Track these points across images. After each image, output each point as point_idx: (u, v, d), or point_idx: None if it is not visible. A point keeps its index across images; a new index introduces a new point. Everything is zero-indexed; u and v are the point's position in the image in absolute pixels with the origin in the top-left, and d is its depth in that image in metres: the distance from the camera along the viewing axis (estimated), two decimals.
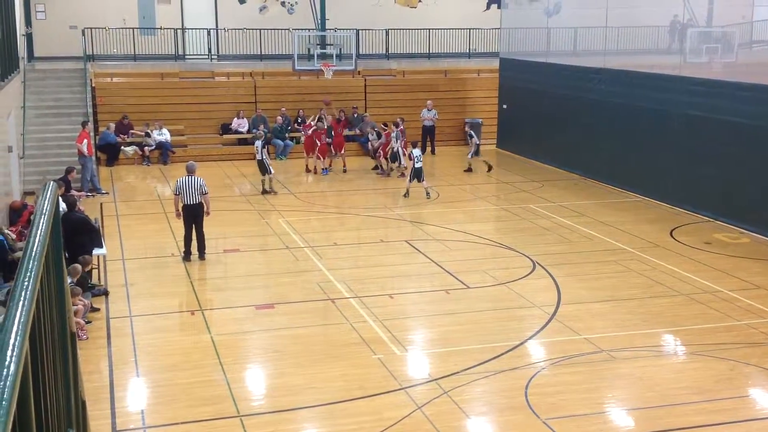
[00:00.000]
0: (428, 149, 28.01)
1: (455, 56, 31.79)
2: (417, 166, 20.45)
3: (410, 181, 20.79)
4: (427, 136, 28.12)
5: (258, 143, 21.19)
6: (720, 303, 13.30)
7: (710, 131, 18.98)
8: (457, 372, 10.66)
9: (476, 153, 24.34)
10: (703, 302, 13.33)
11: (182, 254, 15.38)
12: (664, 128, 20.49)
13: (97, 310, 12.70)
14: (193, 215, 15.19)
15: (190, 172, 15.30)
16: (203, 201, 15.22)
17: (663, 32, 31.37)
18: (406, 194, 20.70)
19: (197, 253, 15.35)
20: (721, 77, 21.21)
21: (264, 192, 21.17)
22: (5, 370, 2.47)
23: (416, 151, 20.69)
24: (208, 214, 15.37)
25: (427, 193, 20.73)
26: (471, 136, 24.60)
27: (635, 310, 12.99)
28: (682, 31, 31.01)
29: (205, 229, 15.49)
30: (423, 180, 20.64)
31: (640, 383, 10.41)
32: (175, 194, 15.40)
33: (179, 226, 17.28)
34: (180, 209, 15.32)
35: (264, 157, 21.04)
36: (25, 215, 16.25)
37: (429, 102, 28.32)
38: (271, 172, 21.23)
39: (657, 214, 19.47)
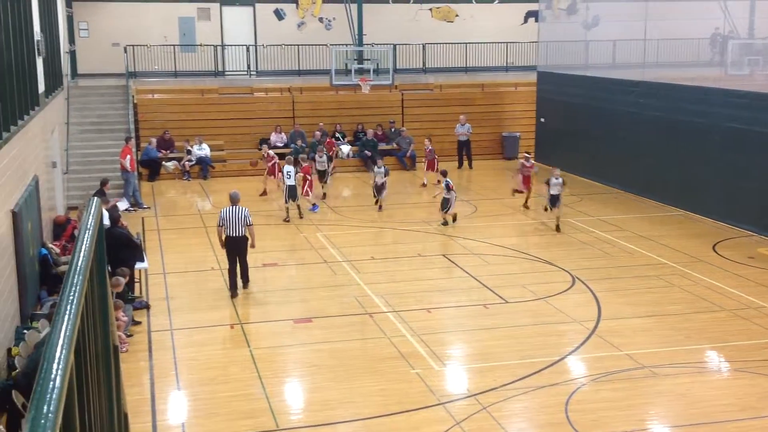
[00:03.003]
0: (465, 163, 28.03)
1: (492, 70, 31.74)
2: (447, 196, 19.22)
3: (445, 210, 19.39)
4: (463, 151, 28.08)
5: (290, 168, 20.00)
6: (764, 319, 13.05)
7: (752, 144, 18.69)
8: (496, 387, 10.59)
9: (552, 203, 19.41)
10: (747, 318, 13.09)
11: (228, 288, 14.40)
12: (705, 141, 20.22)
13: (138, 323, 12.86)
14: (237, 248, 14.25)
15: (234, 201, 14.31)
16: (247, 233, 14.25)
17: (703, 44, 31.03)
18: (445, 223, 19.40)
19: (241, 281, 14.55)
20: (763, 89, 20.88)
21: (286, 220, 19.89)
22: (51, 383, 2.50)
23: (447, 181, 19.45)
24: (252, 246, 14.41)
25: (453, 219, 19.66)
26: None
27: (677, 325, 12.80)
28: (723, 43, 30.64)
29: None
30: (449, 209, 19.34)
31: (682, 400, 10.24)
32: (219, 225, 14.30)
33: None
34: (223, 241, 14.39)
35: (296, 182, 19.97)
36: (68, 230, 16.53)
37: (462, 117, 28.19)
38: (297, 199, 20.02)
39: (699, 228, 19.19)
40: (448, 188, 19.19)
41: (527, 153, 22.51)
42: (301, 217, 20.14)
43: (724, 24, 31.12)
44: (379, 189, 21.38)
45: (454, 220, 19.56)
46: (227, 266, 14.42)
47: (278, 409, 10.11)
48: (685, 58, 29.58)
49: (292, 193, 19.83)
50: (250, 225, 14.19)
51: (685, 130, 21.03)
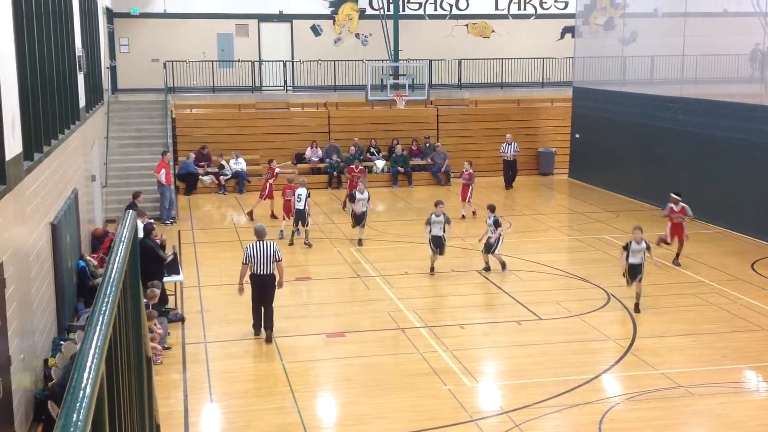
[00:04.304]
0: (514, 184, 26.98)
1: (528, 85, 31.66)
2: (493, 235, 16.69)
3: (491, 252, 16.81)
4: (509, 171, 27.07)
5: (302, 192, 18.83)
6: None
7: None
8: (529, 405, 10.50)
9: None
10: None
11: (252, 327, 13.13)
12: (744, 158, 19.94)
13: (168, 335, 12.92)
14: (264, 288, 12.83)
15: (260, 236, 12.99)
16: (276, 271, 12.90)
17: (743, 60, 30.65)
18: (488, 268, 16.88)
19: (264, 330, 12.92)
20: None
21: (291, 244, 18.96)
22: (81, 392, 2.53)
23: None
24: (280, 285, 13.02)
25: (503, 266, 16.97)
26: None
27: (714, 344, 12.59)
28: (764, 59, 30.25)
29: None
30: (495, 250, 16.80)
31: (719, 421, 10.07)
32: (243, 263, 12.91)
33: None
34: (246, 280, 13.03)
35: (306, 206, 18.79)
36: (106, 242, 16.76)
37: (508, 136, 27.39)
38: (306, 224, 18.99)
39: (737, 246, 18.90)
40: (496, 226, 16.56)
41: (676, 194, 17.55)
42: (309, 245, 18.90)
43: (765, 39, 30.74)
44: (359, 218, 19.09)
45: (504, 267, 16.75)
46: (251, 306, 13.09)
47: (310, 424, 10.13)
48: (724, 74, 29.21)
49: (299, 217, 18.81)
50: (279, 261, 12.87)
51: (723, 146, 20.77)
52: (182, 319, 13.81)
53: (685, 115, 22.58)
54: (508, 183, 27.09)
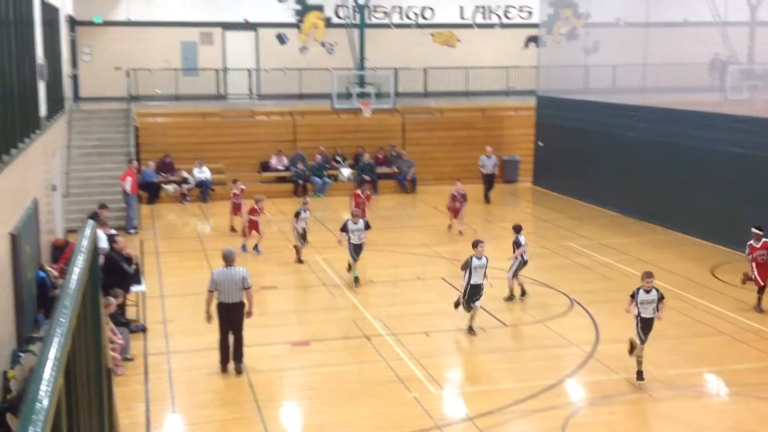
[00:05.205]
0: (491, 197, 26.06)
1: (493, 94, 31.91)
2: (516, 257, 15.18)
3: (511, 275, 15.38)
4: (487, 186, 26.12)
5: (307, 214, 18.44)
6: (763, 342, 13.04)
7: (751, 169, 18.75)
8: (494, 411, 10.56)
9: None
10: (745, 341, 13.08)
11: (219, 363, 12.03)
12: (705, 166, 20.28)
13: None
14: (232, 317, 11.86)
15: (229, 261, 11.93)
16: (244, 298, 11.91)
17: (703, 70, 31.18)
18: (511, 297, 15.44)
19: (234, 362, 12.00)
20: (763, 114, 20.97)
21: (300, 261, 18.26)
22: (38, 404, 2.51)
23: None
24: (249, 314, 11.95)
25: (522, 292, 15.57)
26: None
27: (675, 349, 12.77)
28: (723, 68, 30.80)
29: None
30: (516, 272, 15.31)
31: (679, 424, 10.21)
32: (209, 290, 11.86)
33: (218, 263, 17.40)
34: (212, 309, 11.95)
35: (306, 226, 18.33)
36: (67, 252, 16.53)
37: (489, 148, 26.59)
38: (303, 244, 18.36)
39: (698, 252, 19.19)
40: (515, 247, 15.27)
41: (758, 228, 15.04)
42: (301, 261, 18.24)
43: (724, 49, 31.30)
44: (357, 249, 16.61)
45: (523, 293, 15.44)
46: (218, 337, 12.03)
47: None
48: (685, 83, 29.71)
49: (303, 236, 18.29)
50: (247, 288, 11.84)
51: (684, 154, 21.10)
52: (144, 330, 13.68)
53: (647, 123, 22.91)
54: (488, 198, 26.01)
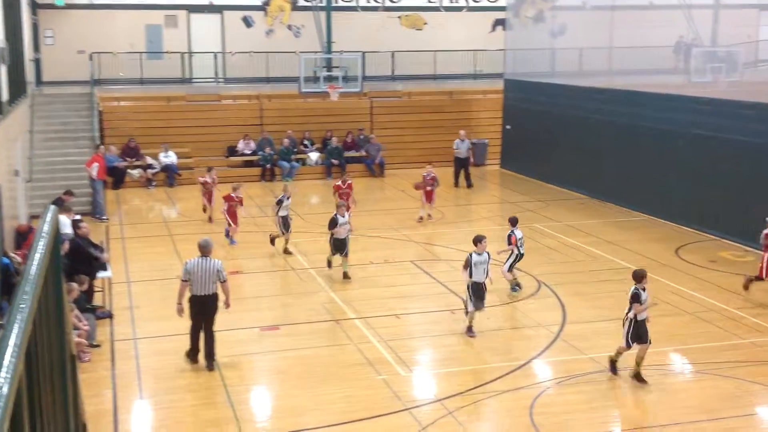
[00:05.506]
0: (462, 183, 25.71)
1: (461, 77, 31.93)
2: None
3: (506, 269, 14.82)
4: (461, 169, 25.72)
5: (289, 201, 17.90)
6: (725, 321, 13.25)
7: (715, 150, 18.99)
8: (462, 392, 10.64)
9: None
10: (709, 321, 13.28)
11: (187, 353, 11.65)
12: (670, 147, 20.50)
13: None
14: (205, 310, 11.37)
15: (205, 252, 11.38)
16: (221, 290, 11.43)
17: (668, 52, 31.48)
18: (516, 286, 14.99)
19: (205, 359, 11.54)
20: (726, 96, 21.24)
21: (287, 251, 17.69)
22: None
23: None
24: (227, 305, 11.57)
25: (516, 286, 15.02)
26: None
27: None
28: (687, 51, 31.12)
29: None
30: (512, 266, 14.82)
31: (644, 402, 10.35)
32: (183, 280, 11.38)
33: (185, 248, 17.33)
34: (185, 301, 11.48)
35: (287, 214, 17.81)
36: (30, 238, 16.32)
37: (462, 132, 26.29)
38: (287, 232, 17.75)
39: (663, 233, 19.42)
40: (509, 241, 14.77)
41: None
42: (288, 252, 17.63)
43: (688, 32, 31.61)
44: (340, 245, 15.78)
45: (518, 286, 14.93)
46: (190, 330, 11.60)
47: (244, 418, 10.07)
48: (650, 66, 29.96)
49: (286, 224, 17.72)
50: (223, 281, 11.34)
51: (649, 136, 21.30)
52: (111, 316, 13.56)
53: (613, 105, 23.08)
54: (459, 179, 25.67)
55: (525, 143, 27.67)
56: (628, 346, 10.88)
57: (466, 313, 12.81)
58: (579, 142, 24.45)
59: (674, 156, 20.34)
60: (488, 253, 12.92)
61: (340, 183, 19.99)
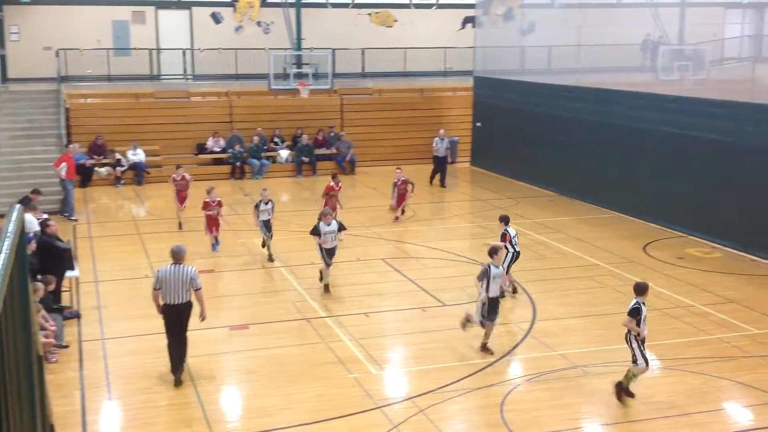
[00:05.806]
0: (436, 182, 25.38)
1: (431, 75, 31.97)
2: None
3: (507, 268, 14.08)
4: (439, 170, 25.40)
5: (269, 205, 17.22)
6: (692, 317, 13.41)
7: (683, 147, 19.19)
8: (433, 390, 10.66)
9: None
10: (676, 317, 13.43)
11: (172, 372, 11.03)
12: (638, 145, 20.69)
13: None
14: (178, 318, 10.85)
15: (177, 259, 10.80)
16: (195, 299, 10.87)
17: (635, 50, 31.80)
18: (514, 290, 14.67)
19: (172, 371, 11.02)
20: (692, 94, 21.48)
21: (271, 258, 17.03)
22: None
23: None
24: (203, 318, 10.93)
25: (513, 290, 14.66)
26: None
27: (609, 325, 13.00)
28: (654, 49, 31.46)
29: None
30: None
31: (613, 398, 10.43)
32: (154, 289, 10.85)
33: (154, 246, 17.19)
34: (161, 307, 10.96)
35: (270, 217, 17.26)
36: None
37: (442, 131, 25.95)
38: (269, 236, 17.20)
39: (631, 229, 19.61)
40: (502, 239, 14.22)
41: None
42: (271, 260, 16.99)
43: (655, 30, 31.96)
44: (330, 253, 14.87)
45: (514, 290, 14.60)
46: (167, 343, 11.07)
47: (214, 418, 10.01)
48: (618, 64, 30.24)
49: (267, 227, 17.16)
50: (197, 289, 10.78)
51: (618, 134, 21.48)
52: (78, 316, 13.40)
53: (582, 103, 23.24)
54: (435, 179, 25.38)
55: (495, 141, 27.79)
56: (647, 364, 10.20)
57: (463, 326, 12.15)
58: (549, 140, 24.60)
59: (643, 153, 20.53)
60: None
61: (333, 184, 18.95)
